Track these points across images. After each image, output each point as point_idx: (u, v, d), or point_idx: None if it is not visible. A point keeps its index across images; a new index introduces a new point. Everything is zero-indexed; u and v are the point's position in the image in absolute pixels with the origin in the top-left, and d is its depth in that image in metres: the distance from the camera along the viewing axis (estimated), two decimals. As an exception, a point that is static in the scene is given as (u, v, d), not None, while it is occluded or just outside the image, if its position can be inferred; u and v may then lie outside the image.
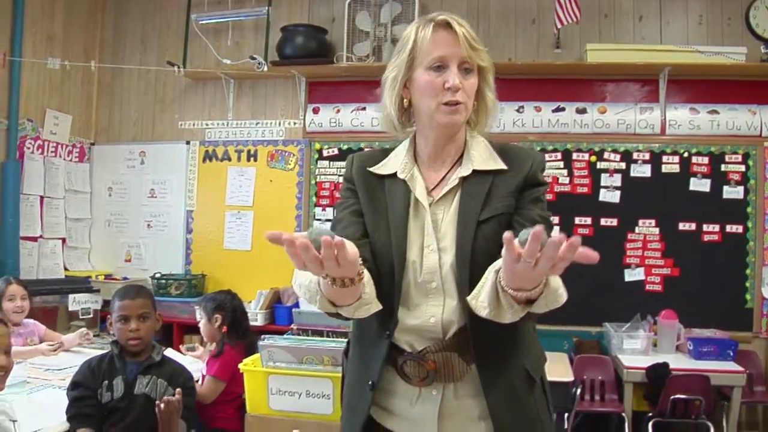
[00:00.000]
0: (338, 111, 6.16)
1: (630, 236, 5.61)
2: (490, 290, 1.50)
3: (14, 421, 2.38)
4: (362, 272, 1.50)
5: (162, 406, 2.71)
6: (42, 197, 6.15)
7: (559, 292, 1.48)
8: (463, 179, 1.75)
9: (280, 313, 5.65)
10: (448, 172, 1.78)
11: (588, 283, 5.08)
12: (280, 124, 6.35)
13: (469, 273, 1.64)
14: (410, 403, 1.76)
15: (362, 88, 6.04)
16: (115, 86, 6.84)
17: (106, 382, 2.91)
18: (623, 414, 4.83)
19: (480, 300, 1.55)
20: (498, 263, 1.46)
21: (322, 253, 1.32)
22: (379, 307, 1.63)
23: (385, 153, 1.87)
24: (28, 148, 6.02)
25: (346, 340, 3.01)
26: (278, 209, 6.21)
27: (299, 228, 6.17)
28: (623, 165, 5.68)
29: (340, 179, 6.04)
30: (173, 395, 2.90)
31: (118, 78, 6.81)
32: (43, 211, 6.16)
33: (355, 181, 1.85)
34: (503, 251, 1.34)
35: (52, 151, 6.30)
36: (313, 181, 6.21)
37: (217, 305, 3.85)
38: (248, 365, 3.16)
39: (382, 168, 1.83)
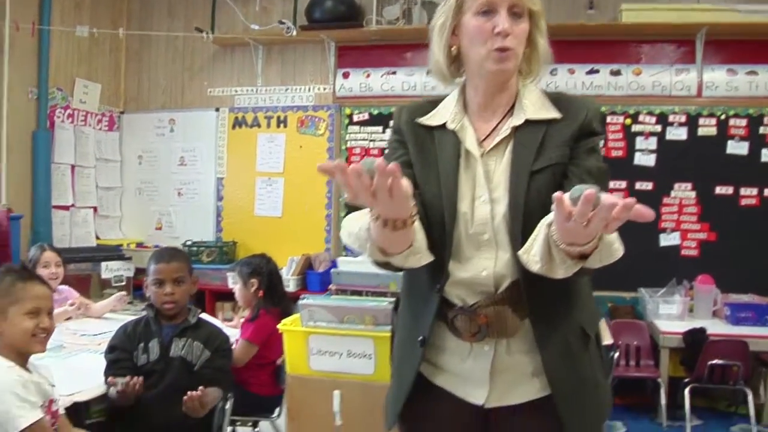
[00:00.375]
0: (368, 76, 6.10)
1: (665, 200, 5.52)
2: (542, 244, 1.45)
3: (53, 386, 2.37)
4: (414, 215, 1.45)
5: (186, 401, 2.71)
6: (73, 166, 6.18)
7: (614, 247, 1.43)
8: (516, 129, 1.68)
9: (312, 279, 5.65)
10: (499, 123, 1.72)
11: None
12: (309, 89, 6.30)
13: (522, 224, 1.59)
14: (461, 359, 1.72)
15: (392, 52, 5.98)
16: (143, 54, 6.82)
17: (142, 344, 2.90)
18: (659, 379, 4.78)
19: (532, 254, 1.50)
20: (550, 217, 1.41)
21: (376, 180, 1.27)
22: (431, 258, 1.58)
23: (433, 104, 1.81)
24: (59, 117, 6.05)
25: (387, 300, 2.99)
26: (308, 175, 6.17)
27: (329, 194, 6.15)
28: (658, 128, 5.58)
29: (371, 144, 6.07)
30: (209, 357, 2.91)
31: (146, 46, 6.79)
32: (74, 179, 6.20)
33: (403, 132, 1.79)
34: (553, 209, 1.29)
35: (81, 120, 6.32)
36: (343, 147, 6.17)
37: (253, 270, 3.81)
38: (288, 325, 3.12)
39: (431, 119, 1.77)
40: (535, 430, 1.71)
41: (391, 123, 1.87)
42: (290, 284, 5.47)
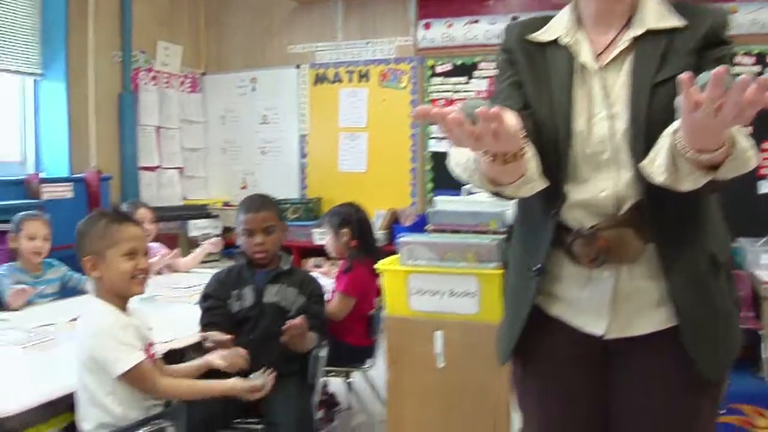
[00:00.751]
0: (450, 26, 5.94)
1: (764, 146, 5.23)
2: (667, 154, 1.32)
3: (150, 329, 2.36)
4: (524, 147, 1.33)
5: (289, 328, 2.66)
6: (158, 127, 6.23)
7: (747, 155, 1.28)
8: (636, 40, 1.55)
9: (399, 234, 5.56)
10: (617, 35, 1.58)
11: (717, 196, 4.77)
12: (390, 42, 6.18)
13: (644, 141, 1.45)
14: (579, 287, 1.60)
15: (474, 0, 5.79)
16: (223, 14, 6.80)
17: (236, 291, 2.86)
18: (761, 332, 4.55)
19: (656, 165, 1.36)
20: (675, 124, 1.28)
21: (479, 126, 1.16)
22: (545, 184, 1.46)
23: (545, 20, 1.68)
24: (142, 79, 6.11)
25: (490, 237, 2.87)
26: (392, 129, 6.09)
27: (414, 147, 6.05)
28: (758, 68, 5.27)
29: (455, 95, 5.93)
30: (303, 303, 2.86)
31: (225, 6, 6.78)
32: (159, 141, 6.25)
33: (513, 50, 1.67)
34: (679, 98, 1.16)
35: (165, 82, 6.37)
36: (426, 99, 6.03)
37: (343, 219, 3.73)
38: (387, 264, 3.02)
39: (543, 34, 1.65)
40: (660, 364, 1.57)
41: (501, 41, 1.73)
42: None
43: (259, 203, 3.01)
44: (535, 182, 1.44)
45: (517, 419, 1.86)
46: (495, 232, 2.86)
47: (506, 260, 1.82)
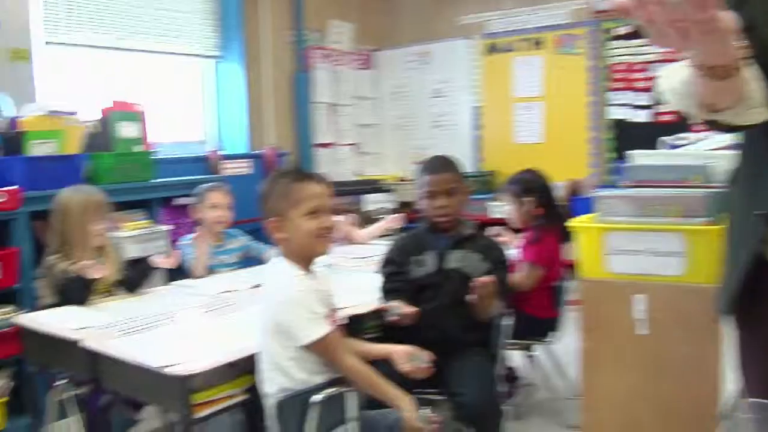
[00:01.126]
0: (630, -17, 5.57)
1: None
2: None
3: (333, 295, 2.28)
4: (742, 60, 1.12)
5: (477, 286, 2.49)
6: (331, 105, 6.27)
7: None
8: None
9: (580, 206, 5.30)
10: None
11: None
12: (564, 6, 5.88)
13: None
14: None
15: (658, -47, 5.41)
16: (391, -10, 6.75)
17: (416, 257, 2.75)
18: None
19: None
20: None
21: (687, 12, 0.95)
22: None
23: None
24: (315, 58, 6.13)
25: (699, 189, 2.59)
26: (569, 97, 5.83)
27: (594, 114, 5.75)
28: None
29: (636, 59, 5.56)
30: (487, 270, 2.69)
31: (393, -19, 6.72)
32: (332, 118, 6.28)
33: None
34: None
35: (336, 60, 6.37)
36: (603, 65, 5.70)
37: (525, 186, 3.52)
38: (581, 221, 2.79)
39: None
40: None
41: None
42: (557, 211, 5.17)
43: (441, 164, 2.86)
44: (757, 108, 1.22)
45: (733, 380, 1.62)
46: (698, 187, 2.56)
47: (729, 206, 1.59)
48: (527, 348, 3.55)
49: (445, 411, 2.59)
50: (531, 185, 3.55)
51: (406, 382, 2.57)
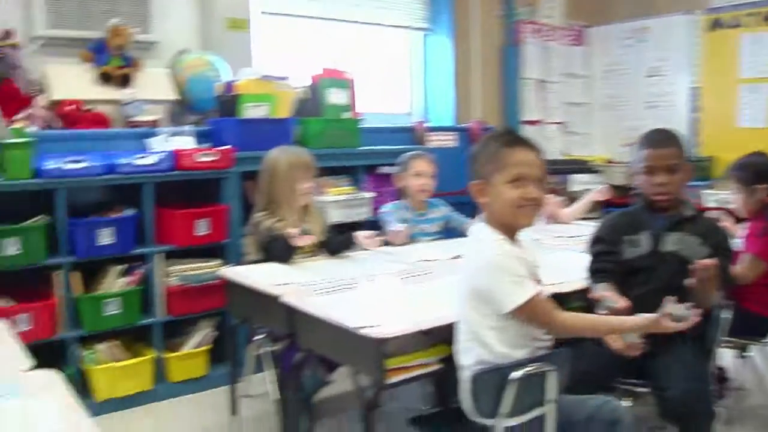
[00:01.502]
0: None
1: None
2: None
3: (538, 267, 2.14)
4: None
5: (698, 269, 2.26)
6: (540, 81, 6.09)
7: None
8: None
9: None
10: None
11: None
12: (805, -24, 5.33)
13: None
14: None
15: None
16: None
17: (629, 237, 2.57)
18: None
19: None
20: None
21: None
22: None
23: None
24: (525, 32, 5.97)
25: None
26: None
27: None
28: None
29: None
30: (707, 256, 2.43)
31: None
32: (541, 94, 6.10)
33: None
34: None
35: (547, 35, 6.17)
36: None
37: (756, 173, 3.21)
38: None
39: None
40: None
41: None
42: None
43: (663, 138, 2.62)
44: None
45: None
46: None
47: None
48: (743, 348, 3.23)
49: (649, 405, 2.42)
50: (761, 170, 3.22)
51: (609, 370, 2.43)
